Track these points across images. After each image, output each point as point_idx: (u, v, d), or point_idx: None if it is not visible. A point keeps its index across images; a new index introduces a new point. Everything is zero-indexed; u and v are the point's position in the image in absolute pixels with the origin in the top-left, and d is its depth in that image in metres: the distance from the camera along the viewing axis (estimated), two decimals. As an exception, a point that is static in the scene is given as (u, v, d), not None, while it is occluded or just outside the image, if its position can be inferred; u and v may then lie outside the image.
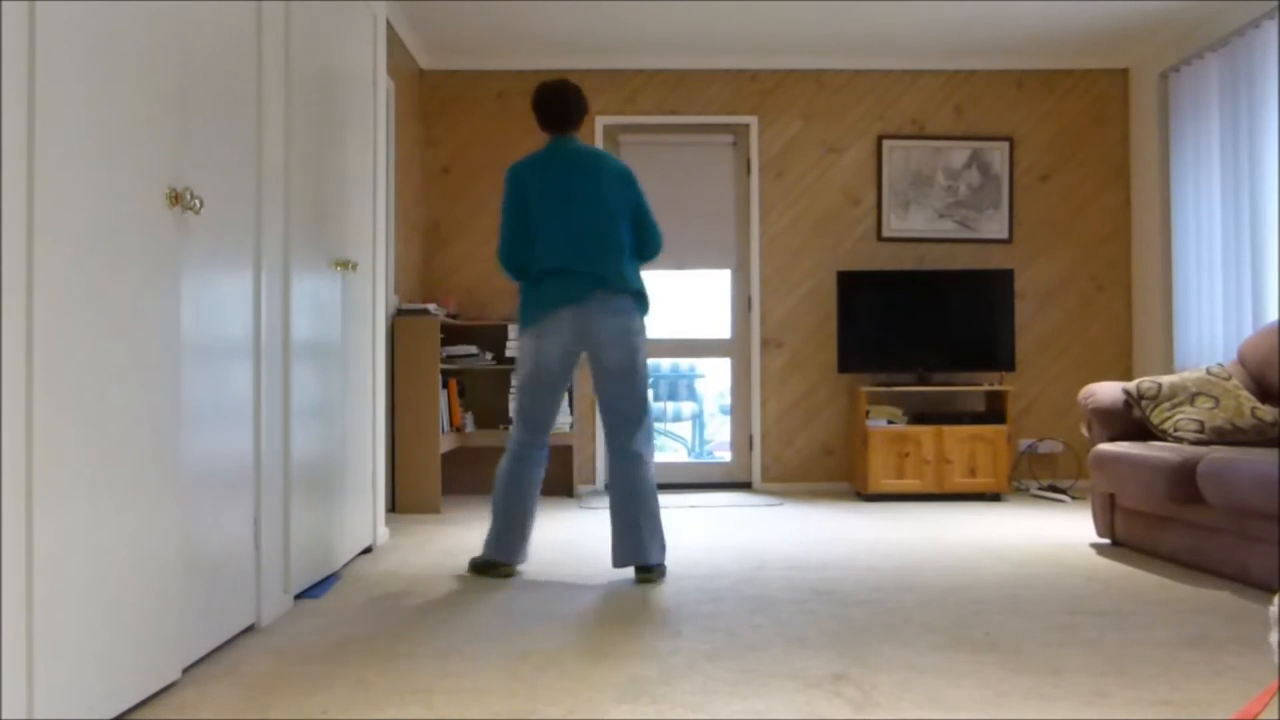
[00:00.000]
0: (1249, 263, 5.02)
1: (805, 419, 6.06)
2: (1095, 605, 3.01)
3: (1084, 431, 4.23)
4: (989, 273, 5.81)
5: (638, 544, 3.40)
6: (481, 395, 5.99)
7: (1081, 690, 2.19)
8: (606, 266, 3.42)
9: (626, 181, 3.55)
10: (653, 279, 6.26)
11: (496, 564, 3.49)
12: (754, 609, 2.97)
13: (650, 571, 3.40)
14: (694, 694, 2.17)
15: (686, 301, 6.42)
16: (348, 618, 2.89)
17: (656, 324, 6.32)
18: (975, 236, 6.10)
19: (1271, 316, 4.84)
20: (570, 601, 3.08)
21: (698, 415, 7.90)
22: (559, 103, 3.56)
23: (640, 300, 3.51)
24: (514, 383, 3.53)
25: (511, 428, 3.55)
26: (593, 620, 2.84)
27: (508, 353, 5.64)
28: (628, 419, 3.47)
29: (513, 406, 3.56)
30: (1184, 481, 3.43)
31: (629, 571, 3.55)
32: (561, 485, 5.99)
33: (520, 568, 3.60)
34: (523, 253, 3.49)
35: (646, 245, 3.60)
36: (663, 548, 3.44)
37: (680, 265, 6.13)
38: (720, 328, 6.21)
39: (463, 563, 3.73)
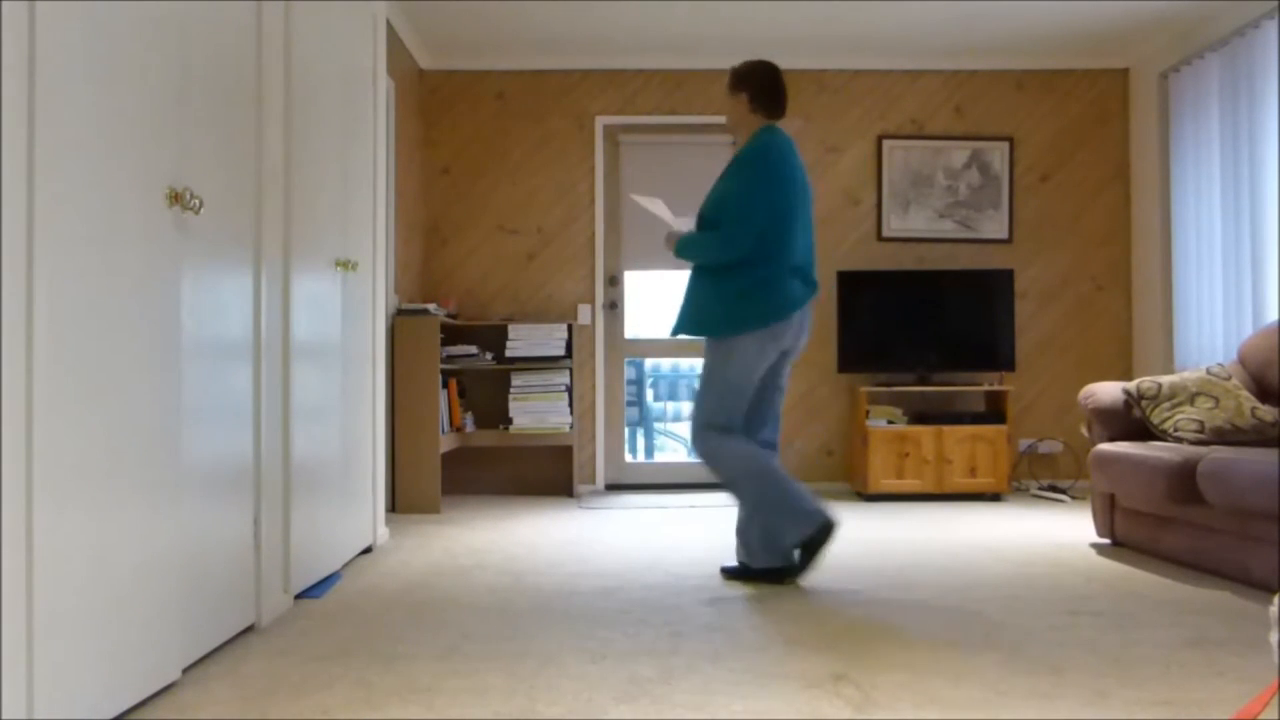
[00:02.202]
0: (1249, 263, 5.02)
1: (805, 419, 6.06)
2: (1095, 605, 3.01)
3: (1084, 431, 4.23)
4: (989, 273, 5.81)
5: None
6: (481, 395, 5.99)
7: (1081, 690, 2.19)
8: (813, 270, 3.39)
9: None
10: (653, 279, 6.26)
11: (829, 525, 3.16)
12: (754, 609, 2.97)
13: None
14: (694, 694, 2.17)
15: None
16: (348, 618, 2.89)
17: (657, 324, 6.32)
18: (975, 236, 6.10)
19: (1271, 316, 4.83)
20: (570, 601, 3.08)
21: (698, 415, 7.88)
22: (783, 85, 3.41)
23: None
24: (719, 383, 3.25)
25: (713, 433, 3.26)
26: (593, 620, 2.84)
27: (508, 353, 5.65)
28: (778, 416, 3.44)
29: (712, 410, 3.26)
30: (1184, 481, 3.43)
31: (630, 573, 3.54)
32: (561, 485, 5.99)
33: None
34: (758, 236, 3.23)
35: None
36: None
37: (680, 265, 6.12)
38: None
39: (463, 563, 3.73)
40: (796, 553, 3.31)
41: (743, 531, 3.37)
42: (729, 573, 3.42)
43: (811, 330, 3.37)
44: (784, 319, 3.23)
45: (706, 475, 6.18)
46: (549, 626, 2.77)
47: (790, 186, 3.28)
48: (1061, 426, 6.10)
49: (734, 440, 3.26)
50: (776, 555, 3.33)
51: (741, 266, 3.25)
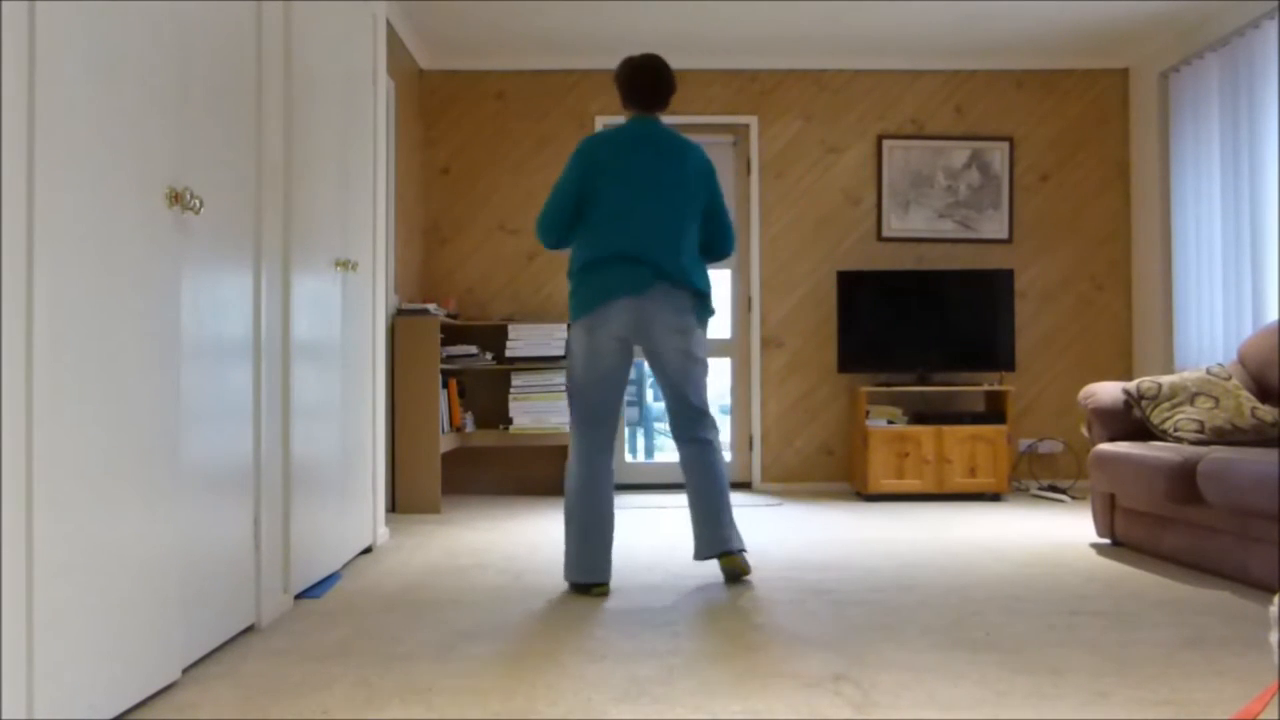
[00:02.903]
0: (1249, 263, 5.02)
1: (805, 419, 6.06)
2: (1095, 605, 3.01)
3: (1084, 431, 4.23)
4: (989, 273, 5.81)
5: (718, 533, 3.27)
6: (481, 395, 5.99)
7: (1081, 690, 2.19)
8: (670, 259, 3.23)
9: (707, 174, 3.36)
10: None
11: (586, 585, 3.21)
12: (754, 609, 2.97)
13: (735, 556, 3.28)
14: (694, 694, 2.17)
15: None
16: (348, 618, 2.89)
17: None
18: (975, 236, 6.10)
19: (1271, 316, 4.83)
20: (570, 601, 3.08)
21: (698, 415, 7.88)
22: (649, 76, 3.35)
23: (701, 302, 3.33)
24: (567, 384, 3.33)
25: (572, 436, 3.31)
26: (593, 620, 2.84)
27: (508, 353, 5.64)
28: (690, 409, 3.34)
29: (570, 411, 3.32)
30: (1184, 481, 3.43)
31: (630, 573, 3.55)
32: (562, 485, 5.99)
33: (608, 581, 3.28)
34: (565, 226, 3.31)
35: (719, 244, 3.43)
36: (738, 535, 3.31)
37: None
38: (720, 328, 6.20)
39: (463, 563, 3.73)
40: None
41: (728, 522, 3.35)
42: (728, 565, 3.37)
43: (679, 315, 3.25)
44: (589, 312, 3.22)
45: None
46: (549, 626, 2.77)
47: (598, 177, 3.26)
48: (1061, 426, 6.10)
49: (580, 446, 3.29)
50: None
51: (571, 261, 3.34)
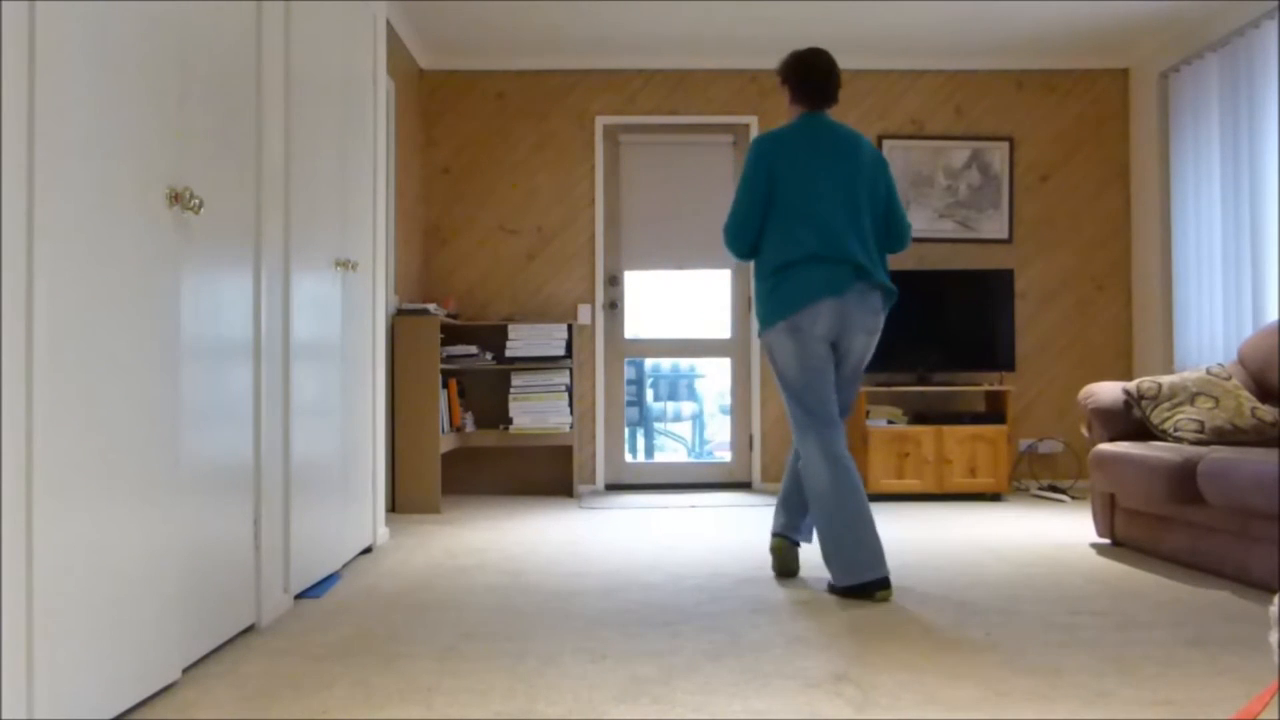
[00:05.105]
0: (1249, 263, 5.02)
1: (805, 419, 6.06)
2: (1095, 605, 3.01)
3: (1084, 431, 4.23)
4: (989, 273, 5.81)
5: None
6: (481, 395, 5.99)
7: (1082, 690, 2.19)
8: (866, 258, 3.18)
9: (882, 167, 3.31)
10: (653, 279, 6.26)
11: (867, 584, 3.05)
12: (754, 609, 2.97)
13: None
14: (694, 694, 2.17)
15: (686, 301, 6.41)
16: (348, 618, 2.89)
17: (657, 324, 6.32)
18: (975, 236, 6.10)
19: (1271, 316, 4.83)
20: (570, 601, 3.08)
21: (698, 415, 7.89)
22: (821, 72, 3.28)
23: (889, 297, 3.28)
24: (782, 388, 3.26)
25: (803, 437, 3.21)
26: (593, 620, 2.84)
27: (508, 353, 5.65)
28: (842, 409, 3.34)
29: (791, 413, 3.25)
30: (1184, 481, 3.43)
31: (630, 573, 3.54)
32: (561, 485, 5.99)
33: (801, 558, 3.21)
34: (755, 230, 3.25)
35: (896, 238, 3.35)
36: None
37: (680, 265, 6.13)
38: (720, 328, 6.20)
39: (463, 563, 3.73)
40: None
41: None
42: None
43: (873, 316, 3.23)
44: (793, 313, 3.16)
45: (705, 475, 6.18)
46: (549, 626, 2.77)
47: (777, 179, 3.23)
48: (1061, 426, 6.10)
49: (815, 440, 3.18)
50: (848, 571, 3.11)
51: (760, 264, 3.29)
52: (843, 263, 3.16)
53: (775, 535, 3.46)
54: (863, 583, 3.06)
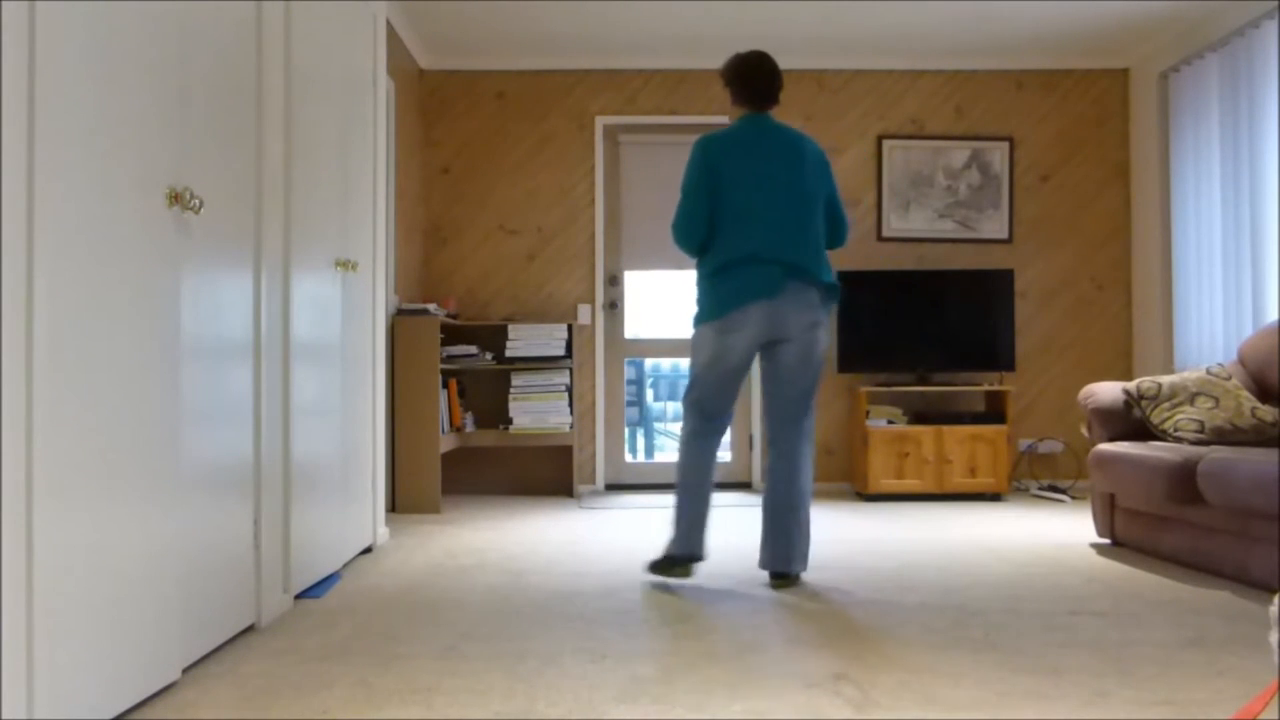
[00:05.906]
0: (1249, 263, 5.02)
1: (805, 419, 6.06)
2: (1095, 605, 3.01)
3: (1084, 431, 4.23)
4: (989, 273, 5.81)
5: (783, 552, 3.27)
6: (481, 395, 5.99)
7: (1081, 690, 2.19)
8: (803, 257, 3.23)
9: (824, 166, 3.36)
10: (652, 279, 6.26)
11: (679, 559, 3.30)
12: (754, 609, 2.97)
13: (785, 579, 3.29)
14: (694, 694, 2.17)
15: (687, 301, 6.41)
16: (348, 618, 2.89)
17: (657, 324, 6.32)
18: (975, 236, 6.10)
19: (1271, 316, 4.83)
20: (570, 601, 3.08)
21: (698, 415, 7.88)
22: (762, 74, 3.32)
23: (830, 293, 3.33)
24: (690, 372, 3.36)
25: (686, 417, 3.37)
26: (592, 620, 2.84)
27: (508, 353, 5.65)
28: (793, 416, 3.32)
29: (687, 396, 3.36)
30: (1184, 481, 3.43)
31: (630, 573, 3.55)
32: (561, 485, 5.99)
33: (699, 561, 3.37)
34: (701, 230, 3.29)
35: (837, 235, 3.43)
36: (805, 556, 3.29)
37: (680, 265, 6.12)
38: (720, 328, 6.20)
39: (463, 563, 3.73)
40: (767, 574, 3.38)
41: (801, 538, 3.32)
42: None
43: (809, 311, 3.26)
44: (722, 315, 3.22)
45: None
46: (549, 626, 2.77)
47: (720, 178, 3.26)
48: (1061, 426, 6.10)
49: (691, 428, 3.36)
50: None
51: (701, 263, 3.34)
52: (775, 264, 3.22)
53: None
54: (671, 555, 3.31)
